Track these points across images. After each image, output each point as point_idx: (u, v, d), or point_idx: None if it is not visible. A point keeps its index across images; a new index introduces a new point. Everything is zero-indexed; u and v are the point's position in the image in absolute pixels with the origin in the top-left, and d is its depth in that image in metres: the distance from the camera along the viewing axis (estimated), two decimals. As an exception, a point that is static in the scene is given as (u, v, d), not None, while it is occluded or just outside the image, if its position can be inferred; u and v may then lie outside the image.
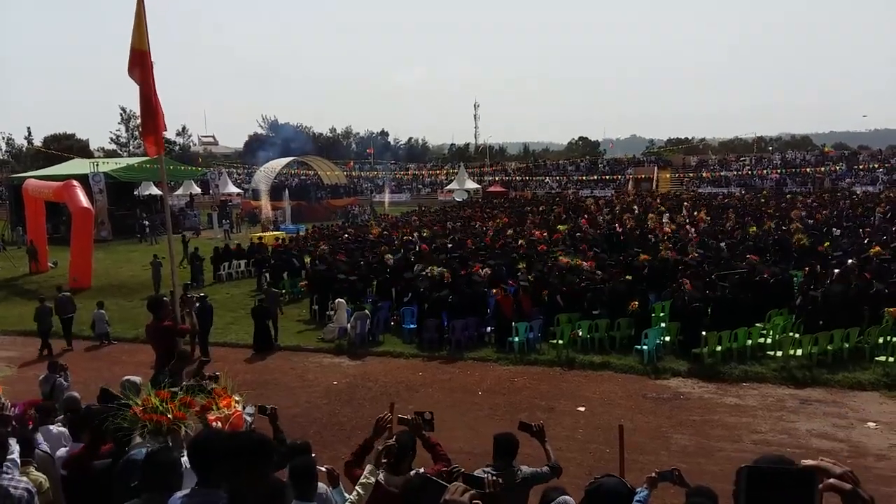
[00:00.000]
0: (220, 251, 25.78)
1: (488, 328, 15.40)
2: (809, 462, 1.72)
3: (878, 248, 18.33)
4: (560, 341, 14.33)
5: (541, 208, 40.11)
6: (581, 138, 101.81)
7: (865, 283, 14.67)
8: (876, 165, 60.01)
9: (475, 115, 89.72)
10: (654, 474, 4.35)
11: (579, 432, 10.35)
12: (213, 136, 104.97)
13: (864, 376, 12.15)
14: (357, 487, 3.66)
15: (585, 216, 34.27)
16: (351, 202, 53.59)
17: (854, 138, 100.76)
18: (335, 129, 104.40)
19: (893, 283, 14.70)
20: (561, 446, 9.34)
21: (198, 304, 14.70)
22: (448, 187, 60.87)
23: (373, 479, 3.71)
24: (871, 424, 10.38)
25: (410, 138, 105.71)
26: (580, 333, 14.28)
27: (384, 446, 3.87)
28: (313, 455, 5.18)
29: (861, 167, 60.47)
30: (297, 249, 25.02)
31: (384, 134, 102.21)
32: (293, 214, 43.99)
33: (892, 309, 13.25)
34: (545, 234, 26.60)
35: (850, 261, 16.40)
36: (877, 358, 12.68)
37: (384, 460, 4.33)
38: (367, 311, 15.75)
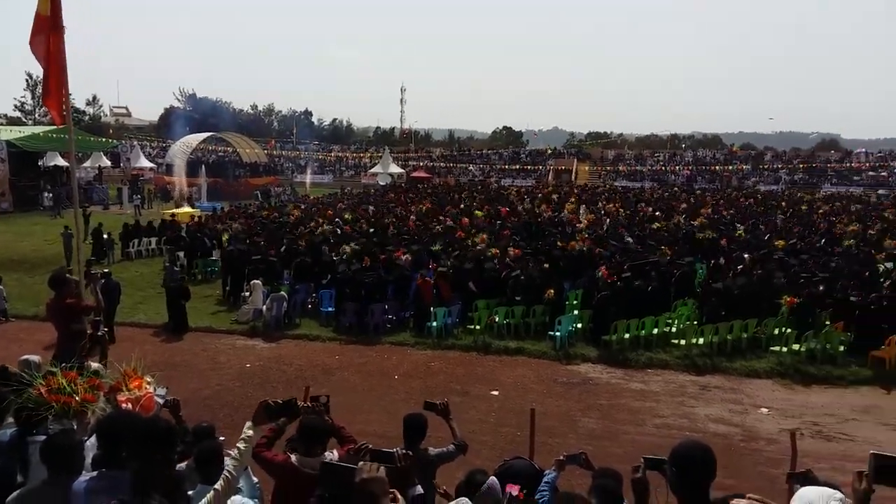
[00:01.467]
0: (129, 227, 24.75)
1: (407, 313, 15.45)
2: None
3: (782, 242, 19.40)
4: (477, 327, 14.55)
5: (463, 195, 40.43)
6: (505, 128, 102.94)
7: (765, 276, 15.59)
8: (779, 166, 63.60)
9: (402, 100, 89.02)
10: (562, 457, 4.51)
11: (492, 416, 10.56)
12: (126, 108, 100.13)
13: (759, 365, 12.92)
14: (238, 444, 3.63)
15: (506, 205, 34.77)
16: (271, 182, 52.39)
17: (761, 139, 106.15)
18: (256, 106, 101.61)
19: (791, 277, 15.68)
20: (474, 429, 9.53)
21: (103, 281, 14.07)
22: (372, 170, 60.41)
23: (251, 433, 3.69)
24: (764, 410, 11.06)
25: (335, 119, 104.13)
26: (497, 319, 14.54)
27: (262, 402, 3.83)
28: (223, 439, 5.09)
29: (765, 167, 63.94)
30: (211, 228, 24.28)
31: (308, 113, 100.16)
32: (209, 192, 42.72)
33: (788, 298, 14.11)
34: (467, 220, 26.83)
35: (745, 255, 17.39)
36: (772, 348, 13.49)
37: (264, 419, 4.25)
38: (284, 293, 15.49)
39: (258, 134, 77.38)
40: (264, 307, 15.39)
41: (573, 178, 62.14)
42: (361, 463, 2.33)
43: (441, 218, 27.15)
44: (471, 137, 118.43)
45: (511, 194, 41.78)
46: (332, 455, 4.45)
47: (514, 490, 3.04)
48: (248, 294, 16.18)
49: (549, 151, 75.32)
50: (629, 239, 22.08)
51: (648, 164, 68.16)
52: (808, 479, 3.98)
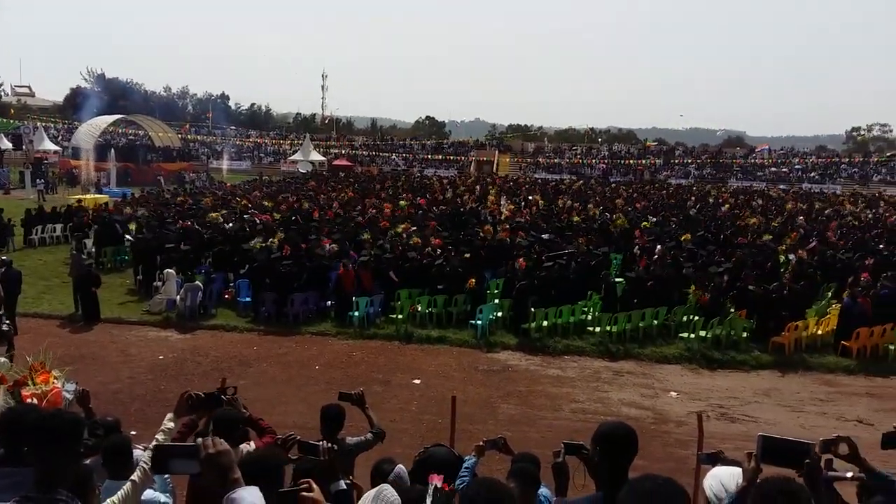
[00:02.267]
0: (32, 213, 23.38)
1: (329, 302, 15.28)
2: None
3: (687, 236, 20.30)
4: (399, 316, 14.55)
5: (387, 185, 40.25)
6: (428, 118, 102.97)
7: (675, 267, 16.27)
8: (689, 161, 66.41)
9: (323, 86, 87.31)
10: (481, 443, 4.58)
11: (414, 404, 10.62)
12: (28, 87, 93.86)
13: (669, 351, 13.51)
14: (157, 436, 3.54)
15: (428, 194, 34.87)
16: (185, 167, 50.54)
17: (672, 135, 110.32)
18: (170, 89, 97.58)
19: (700, 268, 16.41)
20: (395, 418, 9.56)
21: (3, 269, 13.28)
22: (292, 158, 59.18)
23: (171, 425, 3.59)
24: (673, 394, 11.58)
25: (253, 104, 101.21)
26: (419, 309, 14.60)
27: (184, 393, 3.72)
28: (134, 433, 4.90)
29: (676, 162, 66.64)
30: (121, 215, 23.24)
31: (225, 97, 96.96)
32: (119, 177, 40.91)
33: (696, 290, 14.78)
34: (389, 207, 26.75)
35: (658, 247, 18.11)
36: (680, 335, 14.12)
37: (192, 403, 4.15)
38: (198, 283, 15.01)
39: (172, 117, 74.37)
40: (178, 297, 14.87)
41: (495, 169, 62.87)
42: (201, 439, 2.29)
43: (363, 207, 26.95)
44: (394, 126, 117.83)
45: (434, 184, 41.91)
46: (250, 447, 4.36)
47: (437, 481, 3.06)
48: (160, 283, 15.60)
49: (472, 143, 75.97)
50: (544, 227, 22.56)
51: (567, 157, 69.79)
52: (719, 459, 4.21)
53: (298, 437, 3.73)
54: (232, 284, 16.28)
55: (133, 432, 4.95)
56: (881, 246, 21.25)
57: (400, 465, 4.23)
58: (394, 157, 68.84)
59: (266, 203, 27.57)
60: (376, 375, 11.87)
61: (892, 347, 13.43)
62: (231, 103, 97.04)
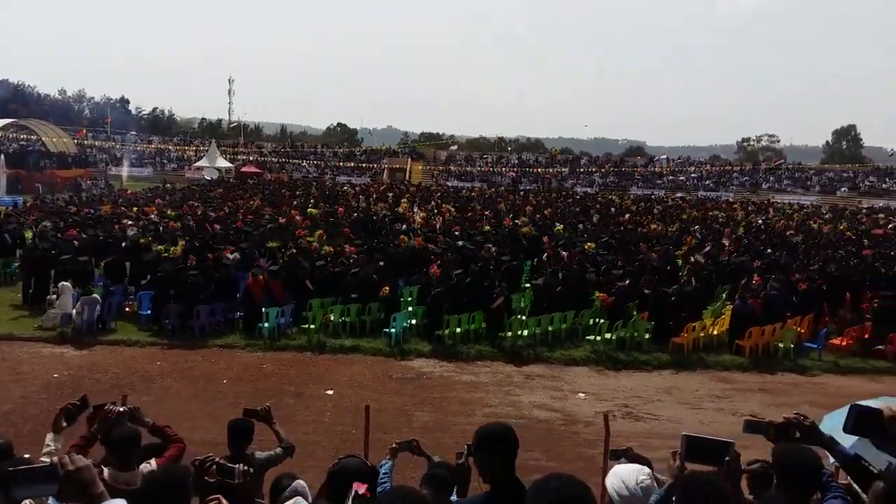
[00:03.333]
0: None
1: (237, 314, 14.87)
2: None
3: (591, 245, 21.00)
4: (312, 326, 14.34)
5: (297, 192, 39.61)
6: (339, 125, 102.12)
7: (581, 272, 16.80)
8: (594, 169, 68.87)
9: (230, 91, 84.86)
10: (394, 445, 4.63)
11: (327, 416, 10.49)
12: None
13: (577, 353, 13.95)
14: (42, 458, 3.36)
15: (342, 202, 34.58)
16: (82, 174, 47.95)
17: (578, 144, 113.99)
18: (65, 92, 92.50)
19: (603, 273, 17.02)
20: (308, 430, 9.43)
21: None
22: (197, 164, 57.25)
23: (54, 445, 3.42)
24: (582, 395, 11.96)
25: (155, 108, 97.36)
26: (332, 318, 14.44)
27: (62, 407, 3.57)
28: (27, 456, 4.62)
29: (582, 170, 68.95)
30: (12, 224, 21.77)
31: (124, 101, 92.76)
32: (9, 184, 38.48)
33: (601, 294, 15.32)
34: (298, 215, 26.34)
35: (564, 253, 18.69)
36: (587, 337, 14.61)
37: (64, 424, 3.99)
38: (96, 296, 14.26)
39: (67, 122, 70.52)
40: (74, 311, 14.07)
41: (407, 177, 63.04)
42: (56, 458, 2.25)
43: (273, 215, 26.41)
44: (304, 133, 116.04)
45: (347, 192, 41.59)
46: (151, 466, 4.20)
47: (360, 489, 3.07)
48: (55, 297, 14.72)
49: (384, 150, 75.89)
50: (457, 234, 22.83)
51: (478, 166, 70.89)
52: (628, 455, 4.43)
53: (217, 459, 3.64)
54: (132, 296, 15.58)
55: (27, 455, 4.65)
56: (769, 250, 22.76)
57: (299, 480, 4.19)
58: (304, 164, 67.81)
59: (169, 212, 26.53)
60: (288, 388, 11.65)
61: (781, 345, 14.36)
62: (132, 107, 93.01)
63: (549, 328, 14.55)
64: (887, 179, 64.98)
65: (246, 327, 14.42)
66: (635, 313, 14.70)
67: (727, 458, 2.95)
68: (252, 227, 22.76)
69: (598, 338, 14.36)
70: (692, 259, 19.58)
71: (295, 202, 33.27)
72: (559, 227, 26.84)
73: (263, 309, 14.13)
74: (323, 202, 33.33)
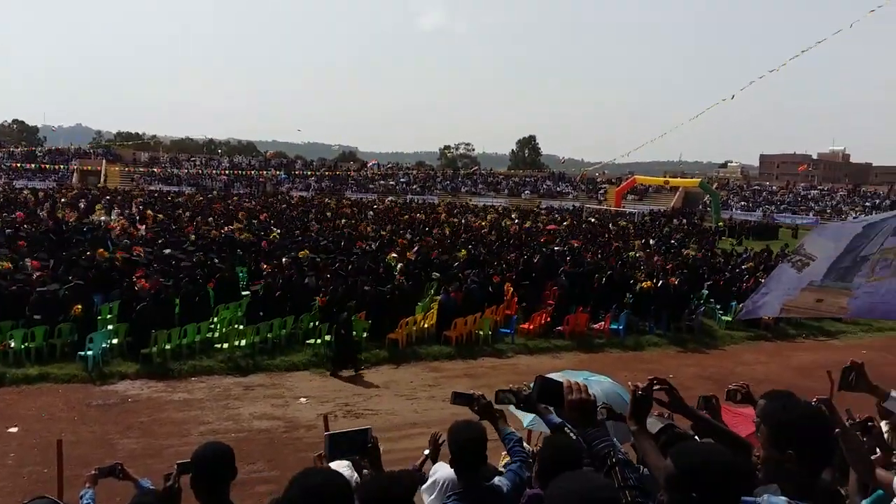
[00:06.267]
0: None
1: None
2: None
3: (305, 252, 21.05)
4: (-16, 356, 12.23)
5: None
6: (16, 121, 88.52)
7: (300, 275, 16.82)
8: (309, 173, 69.14)
9: None
10: (94, 471, 4.28)
11: (11, 456, 9.09)
12: None
13: (297, 358, 13.90)
14: None
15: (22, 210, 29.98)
16: None
17: (292, 148, 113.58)
18: None
19: (320, 276, 17.21)
20: (-15, 478, 8.08)
21: None
22: None
23: None
24: (303, 400, 11.97)
25: None
26: (13, 345, 12.48)
27: None
28: None
29: (297, 174, 68.80)
30: None
31: None
32: None
33: (320, 298, 15.48)
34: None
35: (284, 259, 18.57)
36: (308, 341, 14.66)
37: None
38: None
39: None
40: None
41: (102, 180, 56.88)
42: None
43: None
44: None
45: (28, 198, 36.17)
46: None
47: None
48: None
49: (73, 151, 67.56)
50: (163, 242, 21.36)
51: (185, 169, 66.70)
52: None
53: None
54: None
55: None
56: (469, 246, 25.09)
57: None
58: (-34, 166, 57.48)
59: None
60: (-45, 431, 9.83)
61: (481, 333, 15.90)
62: None
63: (269, 335, 14.30)
64: (560, 183, 75.51)
65: None
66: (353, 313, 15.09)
67: (369, 444, 3.39)
68: None
69: (319, 341, 14.50)
70: (406, 258, 20.75)
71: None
72: (276, 232, 26.51)
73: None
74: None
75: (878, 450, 3.65)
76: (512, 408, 4.71)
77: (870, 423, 3.73)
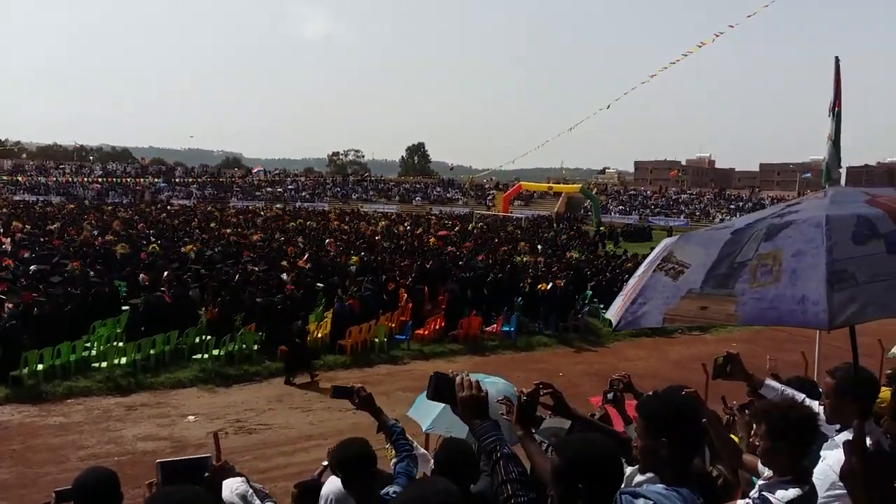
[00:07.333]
0: None
1: None
2: None
3: (191, 247, 20.24)
4: None
5: None
6: None
7: (184, 289, 16.13)
8: (190, 181, 66.39)
9: None
10: None
11: None
12: None
13: (183, 374, 13.31)
14: None
15: None
16: None
17: (172, 155, 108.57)
18: None
19: (204, 287, 16.58)
20: None
21: None
22: None
23: None
24: (192, 417, 11.48)
25: None
26: None
27: None
28: None
29: (178, 181, 65.89)
30: None
31: None
32: None
33: (208, 311, 14.92)
34: None
35: (165, 273, 17.76)
36: (194, 356, 14.07)
37: None
38: None
39: None
40: None
41: (-45, 190, 52.15)
42: None
43: None
44: None
45: None
46: None
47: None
48: None
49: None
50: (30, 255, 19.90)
51: (54, 177, 62.31)
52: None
53: None
54: None
55: None
56: (362, 253, 25.01)
57: None
58: None
59: None
60: None
61: (376, 340, 15.86)
62: None
63: (151, 352, 13.61)
64: (450, 189, 76.62)
65: None
66: (242, 326, 14.66)
67: (206, 474, 3.22)
68: None
69: (206, 355, 13.96)
70: (298, 266, 20.38)
71: None
72: (155, 243, 25.27)
73: None
74: None
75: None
76: (411, 411, 4.84)
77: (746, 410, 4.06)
